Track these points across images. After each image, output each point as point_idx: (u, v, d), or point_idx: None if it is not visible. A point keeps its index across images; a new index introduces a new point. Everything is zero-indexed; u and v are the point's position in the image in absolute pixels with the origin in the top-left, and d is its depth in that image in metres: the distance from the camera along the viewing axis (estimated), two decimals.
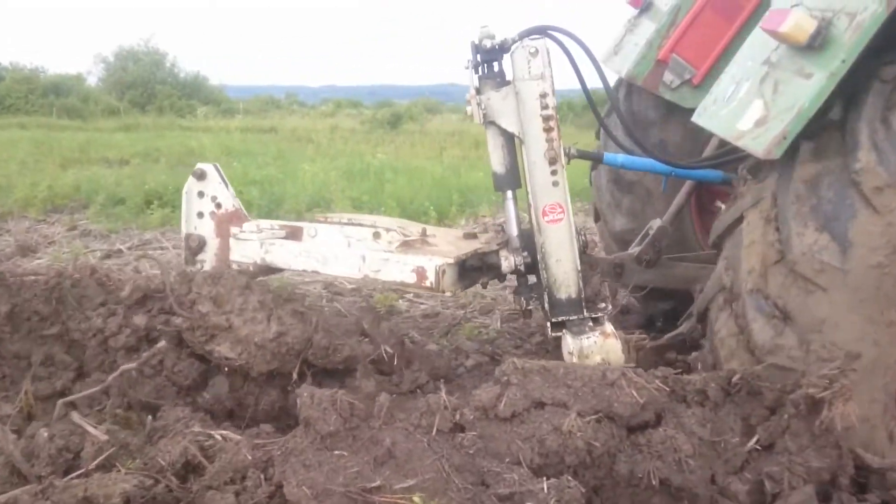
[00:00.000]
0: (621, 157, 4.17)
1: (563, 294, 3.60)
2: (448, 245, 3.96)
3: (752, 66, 3.19)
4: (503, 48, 3.52)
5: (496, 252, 3.75)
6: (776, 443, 2.79)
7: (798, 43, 2.79)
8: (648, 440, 2.79)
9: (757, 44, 3.27)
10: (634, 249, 4.38)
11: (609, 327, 3.49)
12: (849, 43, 2.62)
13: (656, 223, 4.45)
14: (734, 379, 2.94)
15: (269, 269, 4.07)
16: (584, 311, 3.59)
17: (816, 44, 2.74)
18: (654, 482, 2.74)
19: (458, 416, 2.80)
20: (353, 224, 3.97)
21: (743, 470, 2.80)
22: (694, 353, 3.57)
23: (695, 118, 3.52)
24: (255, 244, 3.95)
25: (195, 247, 4.06)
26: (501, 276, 3.88)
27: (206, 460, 2.72)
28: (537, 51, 3.41)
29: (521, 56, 3.42)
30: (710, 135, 4.24)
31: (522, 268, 3.69)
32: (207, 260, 4.11)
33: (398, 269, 3.73)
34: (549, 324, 3.64)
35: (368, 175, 11.91)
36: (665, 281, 4.39)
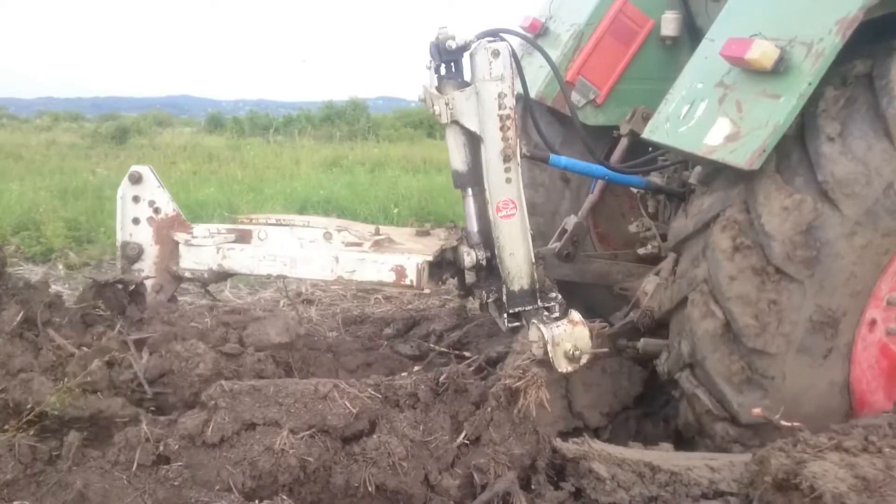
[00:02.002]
0: (564, 160, 4.20)
1: (516, 286, 3.65)
2: (413, 243, 3.96)
3: (704, 87, 3.37)
4: (464, 49, 3.53)
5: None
6: (482, 436, 2.94)
7: (764, 68, 3.00)
8: (363, 448, 2.82)
9: (701, 68, 3.47)
10: (554, 245, 4.50)
11: (577, 315, 3.44)
12: (813, 69, 2.89)
13: (572, 220, 4.58)
14: (441, 379, 3.06)
15: (224, 276, 3.92)
16: (538, 301, 3.65)
17: (781, 69, 2.98)
18: (370, 489, 2.77)
19: (161, 448, 2.64)
20: (292, 225, 3.87)
21: (454, 465, 2.92)
22: (643, 339, 3.77)
23: (647, 136, 3.62)
24: (210, 250, 3.78)
25: (133, 255, 3.80)
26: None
27: None
28: (499, 52, 3.43)
29: (483, 57, 3.43)
30: (606, 150, 4.59)
31: (484, 262, 3.73)
32: (146, 269, 3.85)
33: (375, 268, 3.73)
34: (505, 315, 3.67)
35: (86, 194, 10.98)
36: (581, 276, 4.55)
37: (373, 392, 2.97)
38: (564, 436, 3.51)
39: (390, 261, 3.72)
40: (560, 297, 3.73)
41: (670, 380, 3.55)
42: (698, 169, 3.67)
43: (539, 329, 3.42)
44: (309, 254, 3.79)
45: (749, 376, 3.12)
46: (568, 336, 3.37)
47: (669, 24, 4.51)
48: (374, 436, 2.84)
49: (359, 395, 2.90)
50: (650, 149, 4.19)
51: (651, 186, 4.31)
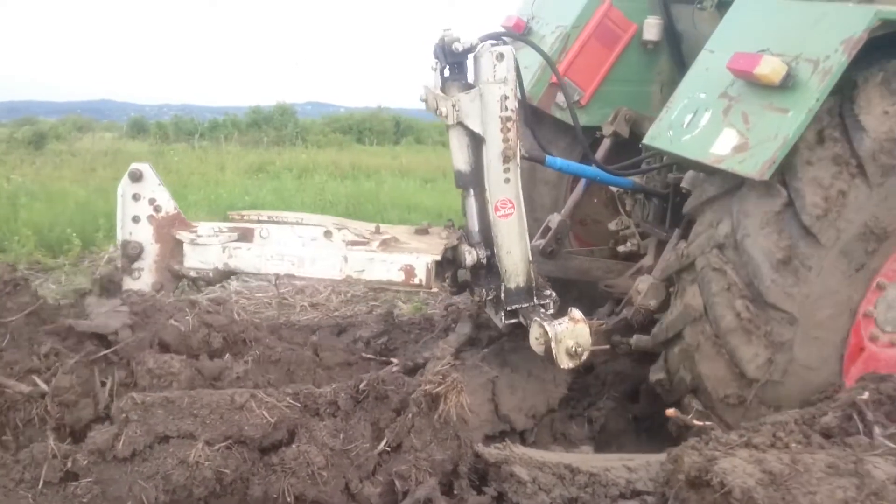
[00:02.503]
0: (559, 161, 4.26)
1: (513, 283, 3.73)
2: (417, 242, 3.98)
3: (707, 98, 3.48)
4: (469, 51, 3.56)
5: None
6: (403, 442, 2.94)
7: (772, 83, 3.12)
8: (281, 459, 2.78)
9: (703, 79, 3.58)
10: (539, 242, 4.55)
11: (577, 313, 3.55)
12: (820, 86, 3.03)
13: (556, 217, 4.63)
14: (361, 386, 3.05)
15: (229, 275, 3.92)
16: (535, 299, 3.74)
17: (788, 84, 3.11)
18: (289, 500, 2.74)
19: (69, 464, 2.55)
20: (285, 222, 3.87)
21: (375, 473, 2.92)
22: (636, 336, 3.83)
23: (649, 142, 3.71)
24: (216, 249, 3.75)
25: (134, 254, 3.72)
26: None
27: None
28: (503, 55, 3.47)
29: (488, 60, 3.47)
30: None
31: (485, 260, 3.79)
32: (146, 268, 3.79)
33: (384, 268, 3.75)
34: (502, 313, 3.75)
35: (0, 200, 10.56)
36: (565, 272, 4.62)
37: (291, 401, 2.93)
38: (492, 439, 3.55)
39: (399, 260, 3.76)
40: (555, 294, 3.83)
41: (660, 344, 3.66)
42: (690, 173, 3.78)
43: (541, 326, 3.55)
44: (318, 253, 3.79)
45: (790, 257, 3.19)
46: (570, 333, 3.49)
47: (651, 28, 4.67)
48: (293, 445, 2.80)
49: (277, 405, 2.86)
50: (642, 150, 4.29)
51: (637, 187, 4.45)
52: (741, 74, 3.30)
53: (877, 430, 2.98)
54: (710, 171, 3.47)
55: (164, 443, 2.66)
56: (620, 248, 4.74)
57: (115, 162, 18.07)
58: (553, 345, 3.45)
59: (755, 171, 3.10)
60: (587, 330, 3.52)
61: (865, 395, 3.13)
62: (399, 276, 3.75)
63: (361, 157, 16.11)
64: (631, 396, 4.34)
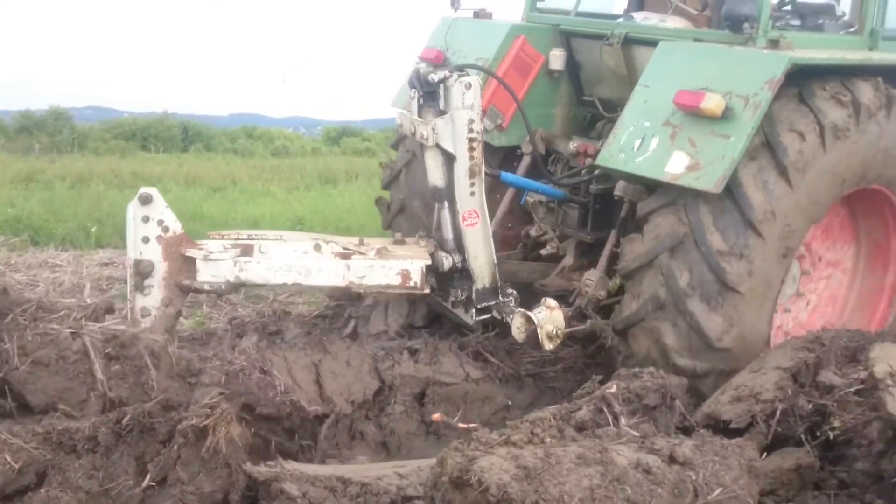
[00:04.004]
0: (511, 177, 4.96)
1: (481, 284, 4.36)
2: (404, 251, 4.42)
3: (652, 126, 4.19)
4: (442, 81, 4.10)
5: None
6: (169, 475, 2.84)
7: (715, 115, 3.92)
8: None
9: (643, 109, 4.28)
10: None
11: (552, 302, 4.23)
12: (753, 117, 3.90)
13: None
14: (125, 420, 2.91)
15: (239, 286, 4.22)
16: (500, 296, 4.37)
17: (728, 116, 3.92)
18: None
19: None
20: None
21: None
22: (590, 321, 4.42)
23: (603, 163, 4.34)
24: (228, 264, 4.03)
25: (146, 272, 3.94)
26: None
27: None
28: (471, 85, 4.08)
29: (458, 89, 4.07)
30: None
31: (459, 265, 4.34)
32: (155, 285, 4.01)
33: (383, 273, 4.19)
34: (473, 311, 4.35)
35: None
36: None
37: (42, 441, 2.74)
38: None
39: (396, 266, 4.20)
40: (515, 292, 4.47)
41: (622, 330, 4.31)
42: (621, 184, 4.58)
43: (523, 316, 4.15)
44: (322, 263, 4.14)
45: (740, 249, 4.03)
46: (549, 319, 4.12)
47: (556, 59, 5.33)
48: (42, 490, 2.62)
49: (24, 447, 2.66)
50: (548, 165, 5.23)
51: (567, 198, 5.11)
52: (687, 108, 4.06)
53: (623, 420, 3.28)
54: (665, 187, 4.15)
55: None
56: (543, 252, 5.32)
57: None
58: (538, 330, 4.05)
59: (711, 186, 3.89)
60: (561, 315, 4.16)
61: (614, 389, 3.44)
62: (396, 280, 4.20)
63: (145, 165, 15.26)
64: (419, 399, 4.47)
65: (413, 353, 4.46)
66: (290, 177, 13.80)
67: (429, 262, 4.30)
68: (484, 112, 5.01)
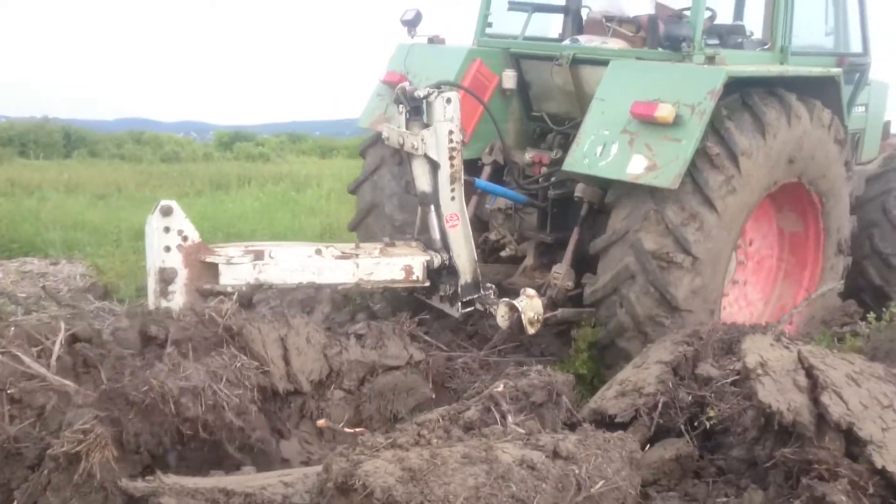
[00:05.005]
0: (484, 183, 5.54)
1: (463, 280, 4.85)
2: (402, 250, 4.84)
3: (611, 134, 4.75)
4: (426, 97, 4.60)
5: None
6: (38, 501, 2.69)
7: (667, 122, 4.52)
8: None
9: (601, 120, 4.84)
10: None
11: (531, 291, 4.76)
12: (700, 122, 4.54)
13: None
14: None
15: (259, 288, 4.39)
16: (482, 290, 4.88)
17: (678, 123, 4.52)
18: None
19: None
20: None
21: None
22: (560, 309, 5.01)
23: (568, 168, 4.89)
24: (247, 266, 4.30)
25: (170, 279, 4.11)
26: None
27: None
28: (451, 100, 4.60)
29: (440, 103, 4.58)
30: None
31: (447, 262, 4.79)
32: (177, 290, 4.19)
33: (389, 269, 4.62)
34: (458, 304, 4.83)
35: None
36: None
37: None
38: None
39: (399, 262, 4.64)
40: (493, 286, 5.02)
41: (596, 302, 4.87)
42: (580, 185, 5.14)
43: (507, 305, 4.67)
44: (334, 263, 4.48)
45: (699, 222, 4.69)
46: (529, 306, 4.66)
47: (509, 79, 5.87)
48: None
49: None
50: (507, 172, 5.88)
51: (527, 201, 5.65)
52: (643, 117, 4.64)
53: (509, 418, 3.31)
54: (627, 186, 4.73)
55: None
56: (503, 254, 5.86)
57: None
58: (522, 316, 4.57)
59: (668, 183, 4.49)
60: (539, 302, 4.71)
61: (501, 388, 3.47)
62: (401, 275, 4.63)
63: (23, 172, 14.46)
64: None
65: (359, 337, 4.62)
66: (179, 183, 13.39)
67: (428, 257, 4.74)
68: None
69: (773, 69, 5.29)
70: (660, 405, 3.74)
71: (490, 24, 6.19)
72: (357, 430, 3.08)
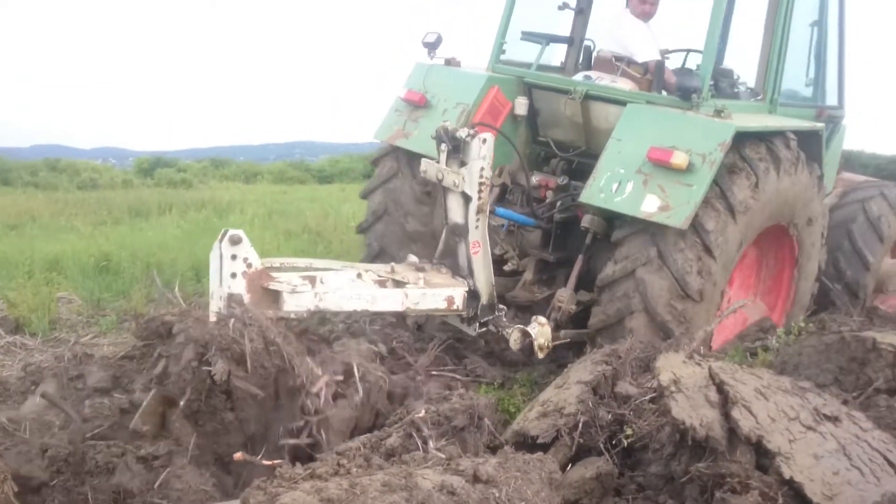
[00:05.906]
0: (502, 210, 5.87)
1: (482, 302, 5.12)
2: (438, 279, 5.08)
3: (626, 173, 5.16)
4: (466, 137, 4.84)
5: None
6: None
7: (681, 168, 4.97)
8: None
9: (618, 158, 5.26)
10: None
11: (542, 319, 5.17)
12: (710, 171, 4.99)
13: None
14: None
15: (319, 314, 4.56)
16: (496, 312, 5.16)
17: (690, 169, 4.98)
18: None
19: None
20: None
21: None
22: (563, 331, 5.35)
23: (585, 200, 5.28)
24: (309, 295, 4.40)
25: (238, 304, 4.14)
26: None
27: None
28: (486, 140, 4.81)
29: (477, 143, 4.82)
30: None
31: (473, 287, 5.07)
32: None
33: (434, 299, 4.87)
34: (476, 324, 5.13)
35: None
36: None
37: None
38: None
39: (443, 293, 4.91)
40: (504, 308, 5.29)
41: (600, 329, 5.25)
42: (587, 216, 5.52)
43: (520, 331, 5.06)
44: (386, 292, 4.67)
45: (700, 265, 5.12)
46: (540, 333, 5.08)
47: (521, 106, 6.27)
48: None
49: None
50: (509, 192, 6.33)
51: (537, 225, 6.02)
52: (659, 162, 5.07)
53: (430, 443, 3.31)
54: (640, 223, 5.11)
55: None
56: (506, 268, 6.14)
57: None
58: (534, 342, 5.00)
59: (680, 223, 4.93)
60: (549, 329, 5.14)
61: (423, 413, 3.46)
62: (443, 305, 4.91)
63: None
64: None
65: None
66: (96, 211, 12.96)
67: (466, 288, 5.03)
68: None
69: (771, 123, 5.81)
70: (580, 425, 3.79)
71: (504, 52, 6.66)
72: (275, 462, 3.02)
